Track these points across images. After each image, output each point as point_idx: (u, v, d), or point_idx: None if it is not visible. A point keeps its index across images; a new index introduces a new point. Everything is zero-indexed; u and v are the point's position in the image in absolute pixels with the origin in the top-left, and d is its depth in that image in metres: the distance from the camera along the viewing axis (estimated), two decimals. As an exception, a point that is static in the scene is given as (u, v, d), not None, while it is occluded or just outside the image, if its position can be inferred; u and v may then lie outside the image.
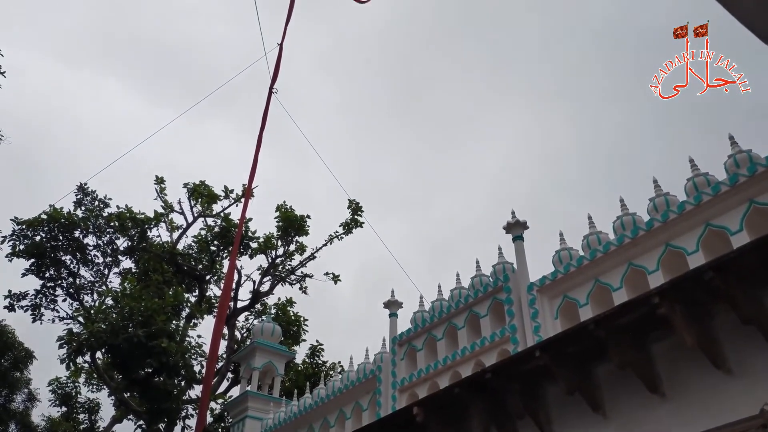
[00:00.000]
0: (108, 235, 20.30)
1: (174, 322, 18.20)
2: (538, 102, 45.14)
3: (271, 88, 12.62)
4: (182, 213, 22.01)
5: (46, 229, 19.21)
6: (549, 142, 44.64)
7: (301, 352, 22.81)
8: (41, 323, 19.67)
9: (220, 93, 15.52)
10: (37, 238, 19.12)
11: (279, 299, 22.60)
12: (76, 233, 19.66)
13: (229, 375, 20.70)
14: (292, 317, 22.26)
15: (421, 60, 47.38)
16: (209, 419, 20.33)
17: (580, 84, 43.63)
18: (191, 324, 19.53)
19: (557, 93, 44.20)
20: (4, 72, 17.22)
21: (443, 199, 47.94)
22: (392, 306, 11.88)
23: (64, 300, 20.04)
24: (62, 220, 19.25)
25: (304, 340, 22.77)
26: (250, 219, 20.82)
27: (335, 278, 21.61)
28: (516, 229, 9.88)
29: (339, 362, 23.11)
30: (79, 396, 22.88)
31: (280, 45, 13.21)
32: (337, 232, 21.03)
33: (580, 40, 42.59)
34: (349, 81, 49.91)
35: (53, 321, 19.91)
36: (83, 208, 19.98)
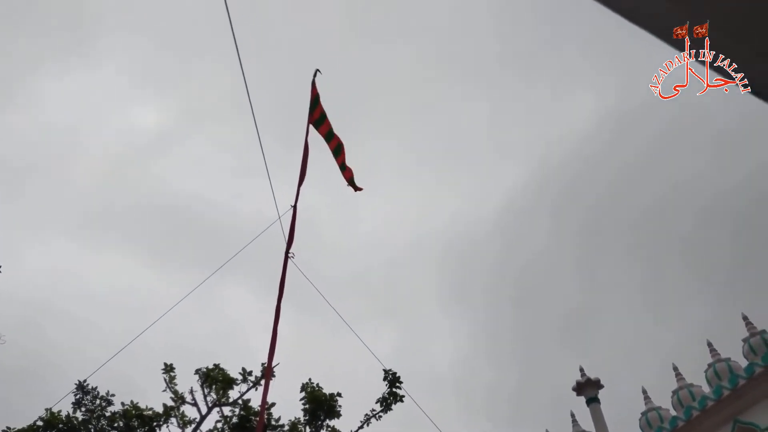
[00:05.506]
0: (112, 438, 19.52)
1: None
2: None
3: (287, 253, 12.60)
4: (195, 404, 21.24)
5: (42, 437, 18.57)
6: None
7: None
8: None
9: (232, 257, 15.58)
10: (32, 449, 18.42)
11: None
12: (76, 439, 18.96)
13: None
14: None
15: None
16: None
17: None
18: None
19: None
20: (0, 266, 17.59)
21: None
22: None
23: None
24: (60, 426, 18.66)
25: None
26: (273, 404, 19.96)
27: (377, 467, 20.23)
28: (589, 389, 9.11)
29: None
30: None
31: (294, 207, 13.43)
32: (374, 410, 19.99)
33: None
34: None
35: None
36: (83, 408, 19.44)
